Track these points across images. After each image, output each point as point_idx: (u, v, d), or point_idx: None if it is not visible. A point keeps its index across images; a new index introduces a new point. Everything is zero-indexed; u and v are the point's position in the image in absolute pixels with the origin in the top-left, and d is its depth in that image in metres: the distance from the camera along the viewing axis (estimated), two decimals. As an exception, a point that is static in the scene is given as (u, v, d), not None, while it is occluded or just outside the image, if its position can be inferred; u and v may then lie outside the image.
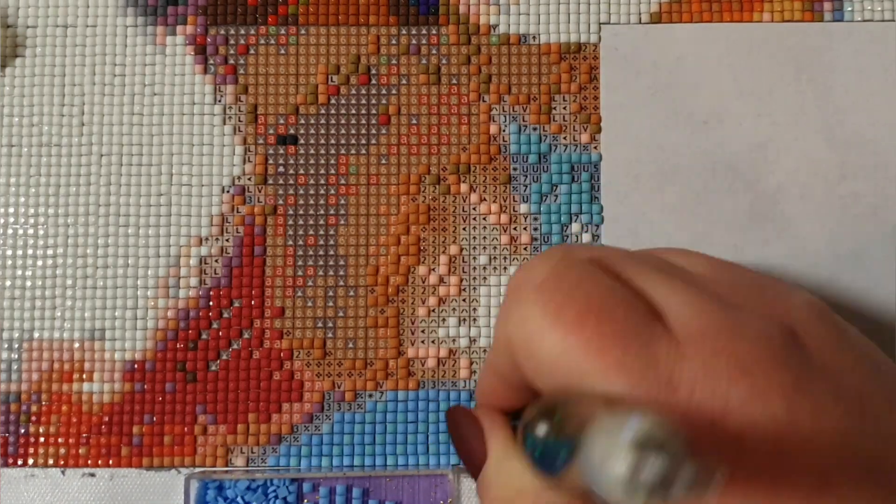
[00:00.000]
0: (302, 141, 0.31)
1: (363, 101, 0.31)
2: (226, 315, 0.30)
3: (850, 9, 0.31)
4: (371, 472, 0.29)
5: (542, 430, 0.18)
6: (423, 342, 0.30)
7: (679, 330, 0.19)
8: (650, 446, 0.15)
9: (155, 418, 0.30)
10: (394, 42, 0.31)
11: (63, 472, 0.30)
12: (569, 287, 0.20)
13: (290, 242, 0.31)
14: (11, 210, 0.31)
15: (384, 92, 0.31)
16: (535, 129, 0.31)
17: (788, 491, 0.18)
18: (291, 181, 0.31)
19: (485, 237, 0.31)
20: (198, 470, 0.30)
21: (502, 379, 0.22)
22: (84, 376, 0.30)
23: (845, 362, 0.21)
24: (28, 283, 0.30)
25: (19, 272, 0.31)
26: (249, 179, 0.31)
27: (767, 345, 0.19)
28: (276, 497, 0.29)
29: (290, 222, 0.31)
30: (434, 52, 0.31)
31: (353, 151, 0.31)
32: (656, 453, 0.15)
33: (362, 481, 0.29)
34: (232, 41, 0.31)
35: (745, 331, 0.20)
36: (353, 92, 0.31)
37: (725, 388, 0.19)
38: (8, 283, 0.30)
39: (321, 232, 0.31)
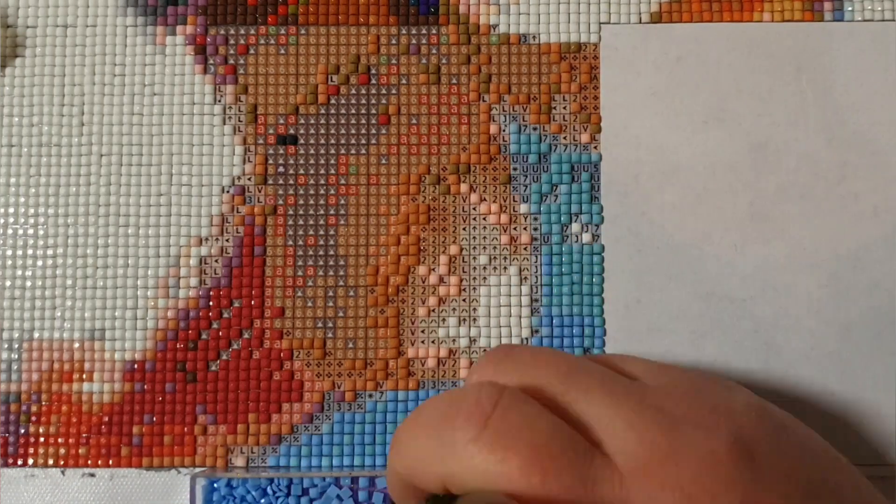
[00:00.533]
0: (302, 141, 0.31)
1: (363, 101, 0.31)
2: (226, 315, 0.30)
3: (850, 8, 0.31)
4: (372, 473, 0.29)
5: None
6: (423, 342, 0.30)
7: (622, 462, 0.19)
8: None
9: (155, 418, 0.30)
10: (394, 42, 0.31)
11: (63, 473, 0.30)
12: (509, 437, 0.19)
13: (290, 242, 0.31)
14: (11, 210, 0.31)
15: (384, 92, 0.31)
16: (535, 128, 0.31)
17: None
18: (291, 181, 0.31)
19: (485, 237, 0.31)
20: (199, 469, 0.30)
21: (414, 489, 0.21)
22: (84, 376, 0.30)
23: (791, 461, 0.21)
24: (28, 283, 0.30)
25: (19, 272, 0.31)
26: (249, 179, 0.31)
27: (713, 465, 0.19)
28: (285, 495, 0.29)
29: (290, 222, 0.31)
30: (434, 51, 0.31)
31: (353, 151, 0.31)
32: None
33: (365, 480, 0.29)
34: (232, 41, 0.31)
35: (689, 452, 0.19)
36: (353, 92, 0.31)
37: None
38: (8, 283, 0.30)
39: (321, 232, 0.31)
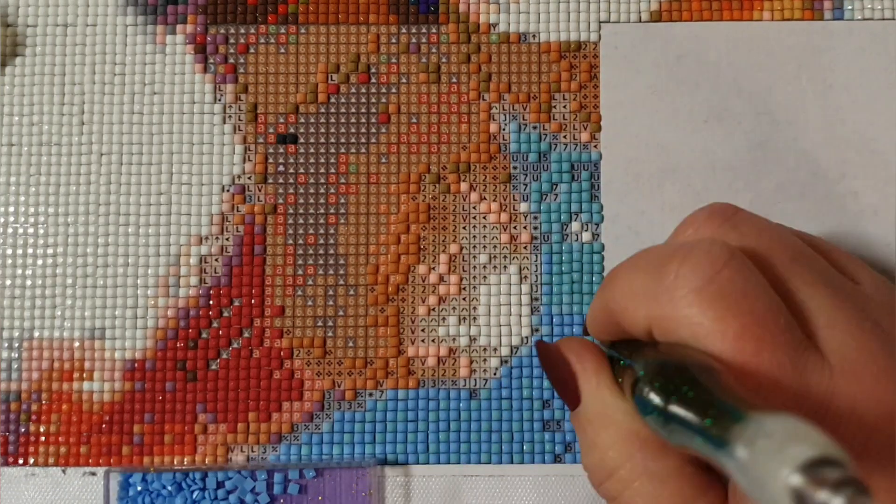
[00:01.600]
0: (302, 140, 0.31)
1: (363, 100, 0.31)
2: (226, 314, 0.30)
3: (850, 7, 0.31)
4: (295, 465, 0.29)
5: (658, 399, 0.18)
6: (423, 341, 0.30)
7: (835, 361, 0.19)
8: (827, 471, 0.14)
9: (155, 417, 0.30)
10: (394, 41, 0.31)
11: (64, 471, 0.30)
12: (732, 300, 0.19)
13: (290, 241, 0.31)
14: (11, 209, 0.31)
15: (384, 91, 0.31)
16: (535, 127, 0.31)
17: None
18: (291, 180, 0.31)
19: (485, 236, 0.31)
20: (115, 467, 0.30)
21: (616, 326, 0.22)
22: (84, 375, 0.30)
23: None
24: (28, 282, 0.30)
25: (19, 271, 0.31)
26: (249, 178, 0.31)
27: None
28: (200, 488, 0.29)
29: (290, 221, 0.31)
30: (434, 50, 0.31)
31: (353, 150, 0.31)
32: (836, 481, 0.13)
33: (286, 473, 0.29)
34: (232, 40, 0.31)
35: None
36: (353, 91, 0.31)
37: (872, 420, 0.18)
38: (8, 282, 0.30)
39: (321, 231, 0.31)
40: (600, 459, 0.21)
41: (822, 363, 0.19)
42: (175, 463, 0.30)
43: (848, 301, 0.20)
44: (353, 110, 0.31)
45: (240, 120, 0.31)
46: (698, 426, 0.16)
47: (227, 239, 0.31)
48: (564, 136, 0.31)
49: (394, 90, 0.31)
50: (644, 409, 0.18)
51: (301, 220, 0.31)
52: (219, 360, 0.30)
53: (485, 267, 0.30)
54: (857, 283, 0.22)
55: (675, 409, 0.17)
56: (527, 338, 0.30)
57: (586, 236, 0.30)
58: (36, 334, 0.30)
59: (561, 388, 0.23)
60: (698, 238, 0.21)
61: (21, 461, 0.30)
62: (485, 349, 0.30)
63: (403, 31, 0.31)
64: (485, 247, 0.30)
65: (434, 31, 0.31)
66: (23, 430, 0.30)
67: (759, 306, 0.19)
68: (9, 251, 0.31)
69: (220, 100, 0.31)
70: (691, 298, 0.19)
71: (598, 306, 0.22)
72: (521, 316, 0.30)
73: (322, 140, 0.31)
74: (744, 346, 0.19)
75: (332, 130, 0.31)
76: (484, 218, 0.31)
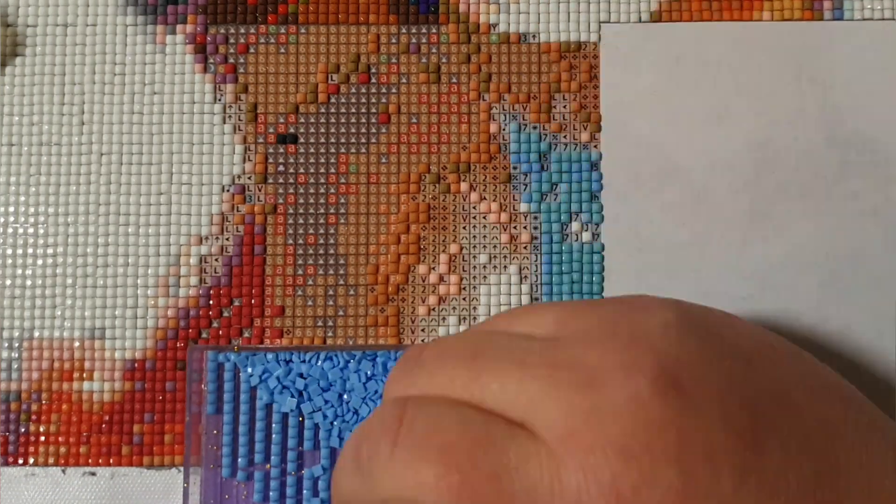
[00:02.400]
0: (302, 140, 0.31)
1: (363, 100, 0.31)
2: (226, 314, 0.30)
3: (849, 7, 0.31)
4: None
5: None
6: (423, 341, 0.30)
7: (547, 435, 0.18)
8: None
9: (155, 417, 0.30)
10: (394, 41, 0.31)
11: (63, 471, 0.30)
12: (420, 445, 0.18)
13: (291, 241, 0.31)
14: (11, 209, 0.31)
15: (384, 91, 0.31)
16: (535, 127, 0.31)
17: None
18: (291, 180, 0.31)
19: (485, 236, 0.31)
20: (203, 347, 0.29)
21: None
22: (84, 375, 0.30)
23: (725, 375, 0.19)
24: (28, 282, 0.30)
25: (19, 271, 0.31)
26: (249, 178, 0.31)
27: (639, 409, 0.18)
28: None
29: (291, 221, 0.31)
30: (434, 50, 0.31)
31: (353, 150, 0.31)
32: None
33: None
34: (232, 40, 0.31)
35: (611, 404, 0.18)
36: (353, 91, 0.31)
37: (610, 482, 0.17)
38: (8, 281, 0.30)
39: (321, 231, 0.31)
40: None
41: (536, 447, 0.18)
42: (176, 463, 0.30)
43: (536, 365, 0.19)
44: (354, 110, 0.31)
45: (240, 120, 0.31)
46: None
47: (227, 239, 0.31)
48: (564, 137, 0.31)
49: (394, 90, 0.31)
50: None
51: (301, 220, 0.31)
52: (219, 360, 0.30)
53: (485, 267, 0.30)
54: (545, 335, 0.21)
55: None
56: (527, 338, 0.30)
57: (586, 236, 0.30)
58: (36, 334, 0.30)
59: None
60: (368, 420, 0.21)
61: (21, 461, 0.30)
62: (485, 349, 0.30)
63: (403, 31, 0.31)
64: (485, 247, 0.30)
65: (434, 31, 0.31)
66: (23, 429, 0.30)
67: (446, 435, 0.18)
68: (9, 251, 0.31)
69: (220, 100, 0.31)
70: (390, 472, 0.19)
71: None
72: (521, 316, 0.30)
73: (322, 140, 0.31)
74: (449, 484, 0.18)
75: (332, 130, 0.31)
76: (484, 218, 0.31)
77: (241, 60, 0.31)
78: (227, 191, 0.31)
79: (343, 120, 0.31)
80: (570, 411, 0.18)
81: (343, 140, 0.31)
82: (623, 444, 0.18)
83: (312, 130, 0.31)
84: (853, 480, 0.19)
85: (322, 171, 0.31)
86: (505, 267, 0.30)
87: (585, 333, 0.20)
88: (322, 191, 0.31)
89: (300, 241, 0.31)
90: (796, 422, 0.19)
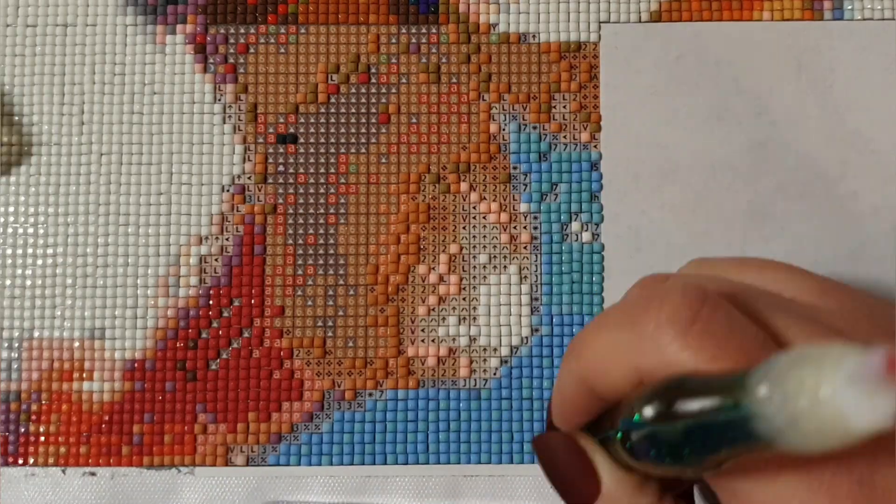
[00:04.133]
0: (302, 140, 0.31)
1: (363, 100, 0.31)
2: (226, 314, 0.30)
3: (849, 7, 0.31)
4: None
5: (657, 407, 0.17)
6: (422, 341, 0.30)
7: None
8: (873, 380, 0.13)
9: (155, 417, 0.30)
10: (394, 41, 0.31)
11: (63, 472, 0.30)
12: (719, 337, 0.18)
13: (290, 241, 0.31)
14: (11, 209, 0.31)
15: (384, 91, 0.31)
16: (534, 127, 0.31)
17: None
18: (291, 180, 0.31)
19: (485, 236, 0.31)
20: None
21: (593, 400, 0.21)
22: (84, 375, 0.30)
23: None
24: (28, 282, 0.30)
25: (19, 271, 0.31)
26: (249, 178, 0.31)
27: None
28: None
29: (290, 221, 0.31)
30: (434, 50, 0.31)
31: (352, 150, 0.31)
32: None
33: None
34: (232, 40, 0.31)
35: None
36: (353, 91, 0.31)
37: (872, 454, 0.17)
38: (8, 282, 0.30)
39: (321, 231, 0.31)
40: None
41: None
42: (176, 463, 0.30)
43: (814, 324, 0.20)
44: (353, 110, 0.31)
45: (240, 120, 0.31)
46: (713, 394, 0.16)
47: (227, 239, 0.31)
48: (564, 137, 0.31)
49: (394, 90, 0.31)
50: (651, 445, 0.18)
51: (301, 220, 0.31)
52: (219, 360, 0.30)
53: (485, 267, 0.30)
54: (815, 306, 0.21)
55: (681, 404, 0.17)
56: (527, 338, 0.30)
57: (586, 236, 0.30)
58: (36, 334, 0.30)
59: (571, 484, 0.22)
60: (666, 286, 0.21)
61: (21, 461, 0.30)
62: (485, 349, 0.30)
63: (403, 31, 0.31)
64: (485, 247, 0.30)
65: (434, 31, 0.31)
66: (23, 430, 0.30)
67: (747, 341, 0.19)
68: (8, 251, 0.31)
69: (219, 100, 0.31)
70: (680, 343, 0.19)
71: (567, 382, 0.21)
72: (520, 316, 0.30)
73: (322, 140, 0.31)
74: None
75: (332, 130, 0.31)
76: (484, 218, 0.31)
77: (241, 60, 0.31)
78: (227, 191, 0.31)
79: (343, 120, 0.31)
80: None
81: (343, 140, 0.31)
82: None
83: (312, 130, 0.31)
84: None
85: (322, 171, 0.31)
86: (505, 267, 0.30)
87: (850, 313, 0.20)
88: (322, 191, 0.31)
89: (300, 242, 0.31)
90: None
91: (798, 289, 0.22)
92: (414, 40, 0.31)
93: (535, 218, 0.30)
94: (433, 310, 0.30)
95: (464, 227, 0.31)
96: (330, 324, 0.30)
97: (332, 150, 0.31)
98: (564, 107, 0.31)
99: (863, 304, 0.21)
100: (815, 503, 0.17)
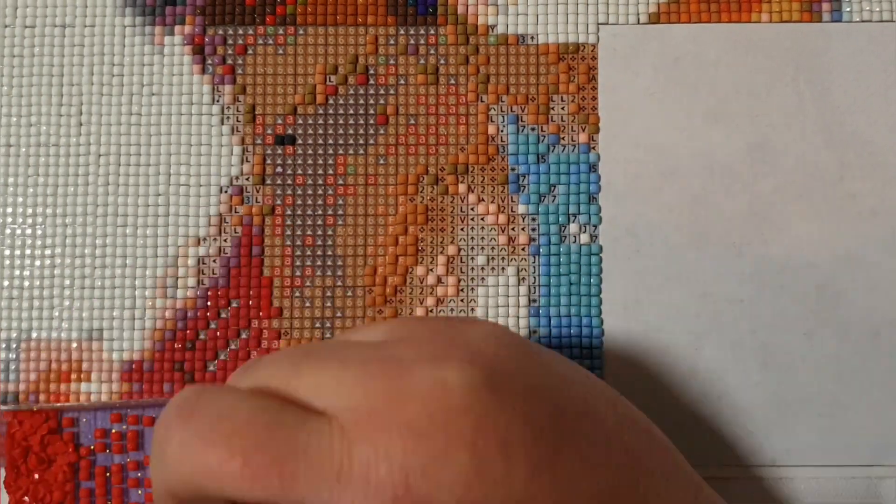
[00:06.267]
0: (300, 141, 0.31)
1: (361, 102, 0.31)
2: (224, 315, 0.30)
3: (848, 9, 0.31)
4: None
5: None
6: (420, 342, 0.30)
7: (345, 417, 0.18)
8: None
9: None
10: (392, 42, 0.31)
11: (61, 473, 0.30)
12: (209, 429, 0.19)
13: (289, 243, 0.31)
14: (9, 210, 0.31)
15: (382, 92, 0.31)
16: (533, 129, 0.31)
17: None
18: (289, 181, 0.31)
19: (483, 237, 0.31)
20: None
21: None
22: (82, 376, 0.30)
23: (535, 380, 0.20)
24: (26, 283, 0.30)
25: (17, 272, 0.31)
26: (247, 179, 0.31)
27: (443, 394, 0.19)
28: None
29: (289, 222, 0.31)
30: (432, 52, 0.31)
31: (351, 152, 0.31)
32: None
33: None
34: (230, 41, 0.31)
35: (417, 389, 0.19)
36: (351, 92, 0.31)
37: (401, 461, 0.18)
38: (6, 283, 0.30)
39: (319, 232, 0.31)
40: None
41: (329, 427, 0.18)
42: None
43: (354, 359, 0.20)
44: (352, 112, 0.31)
45: (238, 121, 0.31)
46: None
47: (225, 240, 0.31)
48: (563, 138, 0.31)
49: (392, 91, 0.31)
50: None
51: (299, 222, 0.31)
52: (217, 362, 0.30)
53: (483, 268, 0.30)
54: (375, 343, 0.21)
55: None
56: (525, 339, 0.30)
57: (584, 238, 0.30)
58: (34, 335, 0.30)
59: None
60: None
61: (18, 462, 0.30)
62: (483, 351, 0.30)
63: (402, 32, 0.31)
64: (483, 248, 0.30)
65: (432, 32, 0.31)
66: (20, 431, 0.30)
67: (236, 421, 0.19)
68: (6, 252, 0.31)
69: (218, 101, 0.31)
70: (181, 452, 0.19)
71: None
72: (518, 318, 0.30)
73: (320, 141, 0.31)
74: (232, 467, 0.18)
75: (331, 132, 0.31)
76: (482, 219, 0.31)
77: (240, 61, 0.31)
78: (225, 192, 0.31)
79: (341, 121, 0.31)
80: (372, 395, 0.19)
81: (341, 141, 0.31)
82: (418, 425, 0.18)
83: (310, 132, 0.31)
84: None
85: (320, 172, 0.31)
86: (503, 268, 0.30)
87: (409, 336, 0.21)
88: (320, 192, 0.31)
89: (298, 243, 0.31)
90: (600, 438, 0.20)
91: (368, 335, 0.22)
92: (412, 41, 0.31)
93: (534, 219, 0.30)
94: (431, 311, 0.30)
95: (462, 229, 0.31)
96: (328, 325, 0.30)
97: (331, 152, 0.31)
98: (563, 108, 0.31)
99: (431, 327, 0.21)
100: None
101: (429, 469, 0.18)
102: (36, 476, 0.29)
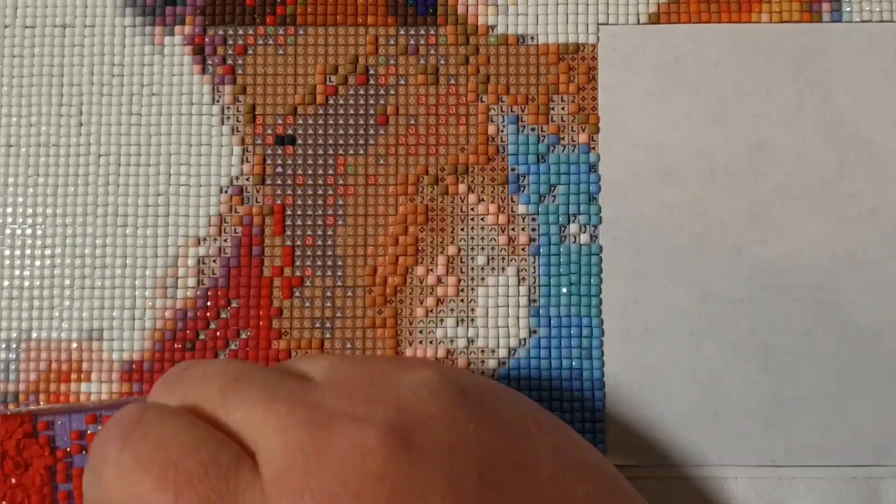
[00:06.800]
0: (300, 141, 0.31)
1: (361, 102, 0.31)
2: (224, 315, 0.30)
3: (848, 9, 0.31)
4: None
5: None
6: (420, 343, 0.30)
7: (266, 470, 0.19)
8: None
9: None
10: (392, 42, 0.31)
11: (61, 473, 0.30)
12: (146, 454, 0.19)
13: (289, 243, 0.31)
14: (10, 210, 0.31)
15: (382, 92, 0.31)
16: (533, 129, 0.31)
17: None
18: (289, 181, 0.31)
19: (483, 238, 0.31)
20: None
21: None
22: (82, 376, 0.30)
23: (464, 435, 0.20)
24: (26, 283, 0.30)
25: (17, 272, 0.31)
26: (247, 180, 0.31)
27: (361, 458, 0.19)
28: None
29: (289, 223, 0.31)
30: (432, 52, 0.31)
31: (351, 152, 0.31)
32: None
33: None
34: (230, 41, 0.31)
35: (336, 449, 0.19)
36: (352, 92, 0.31)
37: None
38: (6, 283, 0.30)
39: (319, 232, 0.31)
40: None
41: (255, 479, 0.19)
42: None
43: (282, 400, 0.20)
44: (352, 112, 0.31)
45: (238, 121, 0.31)
46: None
47: (225, 240, 0.31)
48: (563, 138, 0.31)
49: (392, 92, 0.31)
50: None
51: (299, 222, 0.31)
52: (216, 362, 0.30)
53: (483, 269, 0.30)
54: (309, 378, 0.21)
55: None
56: (525, 339, 0.30)
57: (584, 238, 0.30)
58: (34, 335, 0.30)
59: None
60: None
61: (18, 462, 0.30)
62: (483, 351, 0.30)
63: (402, 32, 0.31)
64: (483, 248, 0.30)
65: (432, 32, 0.31)
66: (20, 431, 0.30)
67: (175, 450, 0.19)
68: (6, 252, 0.31)
69: (218, 101, 0.31)
70: (113, 474, 0.19)
71: None
72: (518, 318, 0.30)
73: (320, 141, 0.31)
74: (160, 499, 0.18)
75: (331, 132, 0.31)
76: (482, 219, 0.31)
77: (240, 62, 0.31)
78: (225, 192, 0.31)
79: (341, 121, 0.31)
80: (294, 451, 0.19)
81: (341, 141, 0.31)
82: (333, 491, 0.18)
83: (311, 132, 0.31)
84: None
85: (320, 172, 0.31)
86: (503, 269, 0.30)
87: (344, 381, 0.21)
88: (320, 192, 0.31)
89: (298, 243, 0.31)
90: (534, 492, 0.20)
91: (309, 367, 0.22)
92: (412, 42, 0.31)
93: (534, 219, 0.30)
94: (431, 311, 0.30)
95: (462, 229, 0.31)
96: (328, 325, 0.30)
97: (331, 152, 0.31)
98: (563, 108, 0.31)
99: (367, 372, 0.21)
100: None
101: None
102: (13, 480, 0.29)
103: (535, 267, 0.30)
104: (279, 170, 0.31)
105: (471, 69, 0.31)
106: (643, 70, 0.31)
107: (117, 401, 0.29)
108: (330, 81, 0.31)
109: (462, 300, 0.30)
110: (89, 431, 0.29)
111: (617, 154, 0.31)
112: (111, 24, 0.31)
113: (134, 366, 0.30)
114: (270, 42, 0.31)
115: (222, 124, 0.31)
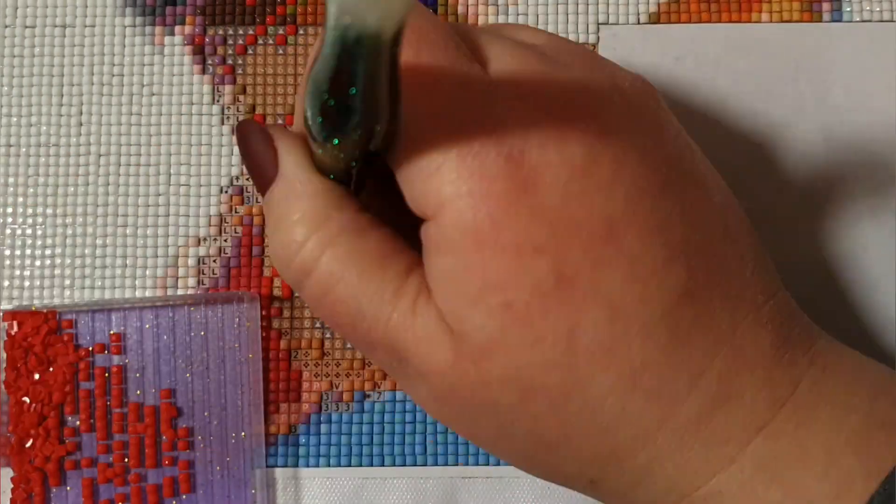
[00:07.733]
0: (300, 141, 0.31)
1: (361, 102, 0.31)
2: (224, 315, 0.30)
3: (848, 9, 0.31)
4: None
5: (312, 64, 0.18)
6: (421, 342, 0.30)
7: (497, 71, 0.21)
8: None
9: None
10: (392, 42, 0.31)
11: (61, 472, 0.30)
12: (412, 30, 0.20)
13: (289, 243, 0.30)
14: (10, 210, 0.31)
15: (382, 92, 0.31)
16: (533, 129, 0.31)
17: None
18: (289, 181, 0.31)
19: (483, 237, 0.30)
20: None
21: None
22: (82, 376, 0.30)
23: (660, 129, 0.22)
24: (26, 283, 0.30)
25: (17, 272, 0.31)
26: (248, 179, 0.31)
27: (580, 92, 0.21)
28: None
29: (289, 222, 0.31)
30: (432, 52, 0.31)
31: (351, 152, 0.31)
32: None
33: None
34: (230, 41, 0.31)
35: (559, 77, 0.21)
36: (352, 92, 0.31)
37: (524, 131, 0.20)
38: (6, 282, 0.30)
39: (319, 232, 0.31)
40: (290, 232, 0.21)
41: (484, 73, 0.21)
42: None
43: (517, 40, 0.22)
44: (352, 112, 0.31)
45: (238, 121, 0.31)
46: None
47: (225, 240, 0.31)
48: (563, 138, 0.31)
49: (392, 91, 0.31)
50: (316, 112, 0.19)
51: (299, 222, 0.31)
52: (217, 362, 0.30)
53: (483, 268, 0.30)
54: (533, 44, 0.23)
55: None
56: (525, 339, 0.30)
57: (584, 238, 0.30)
58: (34, 335, 0.30)
59: (257, 167, 0.22)
60: None
61: (19, 462, 0.30)
62: (483, 351, 0.30)
63: (402, 32, 0.31)
64: (483, 248, 0.30)
65: (432, 32, 0.31)
66: (20, 431, 0.30)
67: (437, 35, 0.21)
68: (7, 252, 0.31)
69: (218, 101, 0.31)
70: None
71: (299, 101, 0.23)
72: (519, 317, 0.30)
73: (320, 141, 0.31)
74: (415, 52, 0.20)
75: (331, 132, 0.31)
76: (482, 219, 0.31)
77: (240, 61, 0.31)
78: (226, 192, 0.31)
79: (341, 121, 0.31)
80: (524, 65, 0.21)
81: (341, 141, 0.31)
82: (555, 106, 0.21)
83: (311, 132, 0.31)
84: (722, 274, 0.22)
85: (320, 172, 0.31)
86: (503, 268, 0.30)
87: (567, 51, 0.23)
88: (320, 192, 0.31)
89: (298, 243, 0.31)
90: (707, 202, 0.23)
91: (532, 36, 0.23)
92: (412, 42, 0.31)
93: (534, 219, 0.30)
94: (431, 311, 0.30)
95: (462, 229, 0.30)
96: (328, 325, 0.30)
97: (331, 152, 0.31)
98: (563, 108, 0.31)
99: (589, 53, 0.24)
100: (463, 169, 0.19)
101: (545, 147, 0.20)
102: (36, 376, 0.29)
103: (535, 267, 0.30)
104: (279, 170, 0.31)
105: (471, 69, 0.31)
106: (643, 70, 0.31)
107: (141, 298, 0.30)
108: (330, 81, 0.31)
109: (462, 300, 0.30)
110: (112, 331, 0.29)
111: (617, 154, 0.30)
112: (111, 24, 0.31)
113: (134, 366, 0.30)
114: (270, 42, 0.31)
115: (222, 124, 0.31)
